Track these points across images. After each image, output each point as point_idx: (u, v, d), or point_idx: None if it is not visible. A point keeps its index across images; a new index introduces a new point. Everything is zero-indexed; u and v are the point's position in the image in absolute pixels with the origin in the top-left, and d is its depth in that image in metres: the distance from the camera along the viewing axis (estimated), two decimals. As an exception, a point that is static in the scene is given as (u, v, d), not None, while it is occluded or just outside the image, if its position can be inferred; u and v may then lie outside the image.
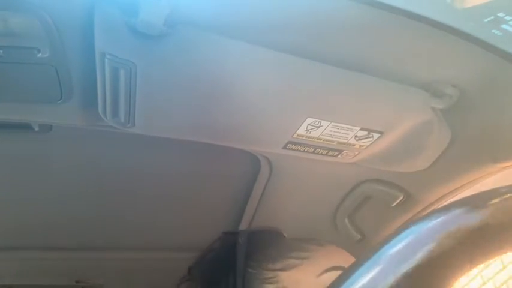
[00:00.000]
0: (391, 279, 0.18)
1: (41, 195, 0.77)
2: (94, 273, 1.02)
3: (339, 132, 0.55)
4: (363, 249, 0.80)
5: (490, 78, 0.50)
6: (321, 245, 0.58)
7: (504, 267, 1.96)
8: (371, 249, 0.20)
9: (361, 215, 0.78)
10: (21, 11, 0.38)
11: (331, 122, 0.53)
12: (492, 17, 0.43)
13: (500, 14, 0.42)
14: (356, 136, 0.56)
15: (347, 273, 0.20)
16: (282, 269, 0.53)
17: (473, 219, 0.20)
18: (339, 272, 0.52)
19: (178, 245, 0.91)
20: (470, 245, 0.19)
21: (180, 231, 0.88)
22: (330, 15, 0.43)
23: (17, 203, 0.79)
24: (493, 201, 0.21)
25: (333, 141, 0.57)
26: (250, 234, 0.60)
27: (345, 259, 0.56)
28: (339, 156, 0.61)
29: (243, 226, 0.86)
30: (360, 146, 0.59)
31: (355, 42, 0.46)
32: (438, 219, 0.20)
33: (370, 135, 0.57)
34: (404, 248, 0.19)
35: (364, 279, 0.19)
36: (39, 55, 0.42)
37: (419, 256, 0.19)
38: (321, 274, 0.51)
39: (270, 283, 0.52)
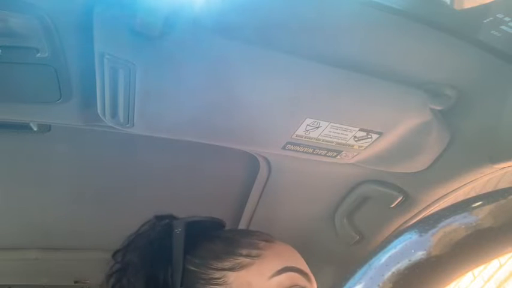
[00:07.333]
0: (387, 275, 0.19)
1: (39, 196, 0.77)
2: (92, 273, 1.02)
3: (338, 133, 0.55)
4: (361, 249, 0.80)
5: (488, 79, 0.50)
6: (270, 241, 0.51)
7: (501, 266, 1.97)
8: (361, 261, 0.20)
9: (360, 216, 0.78)
10: (21, 11, 0.38)
11: (330, 122, 0.53)
12: (491, 18, 0.43)
13: (499, 15, 0.42)
14: (355, 137, 0.56)
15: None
16: (231, 269, 0.47)
17: (468, 223, 0.20)
18: (291, 274, 0.47)
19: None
20: (464, 249, 0.19)
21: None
22: (329, 16, 0.43)
23: (15, 203, 0.79)
24: (487, 205, 0.21)
25: (332, 142, 0.57)
26: (188, 223, 0.51)
27: (296, 258, 0.50)
28: (338, 156, 0.61)
29: (242, 226, 0.86)
30: (359, 146, 0.59)
31: (354, 43, 0.46)
32: (432, 224, 0.20)
33: (369, 136, 0.57)
34: (397, 252, 0.19)
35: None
36: (38, 55, 0.42)
37: (412, 259, 0.19)
38: (272, 276, 0.46)
39: (218, 284, 0.46)
